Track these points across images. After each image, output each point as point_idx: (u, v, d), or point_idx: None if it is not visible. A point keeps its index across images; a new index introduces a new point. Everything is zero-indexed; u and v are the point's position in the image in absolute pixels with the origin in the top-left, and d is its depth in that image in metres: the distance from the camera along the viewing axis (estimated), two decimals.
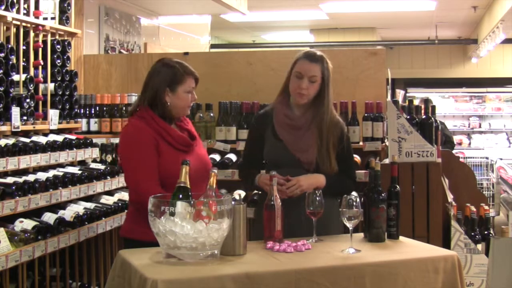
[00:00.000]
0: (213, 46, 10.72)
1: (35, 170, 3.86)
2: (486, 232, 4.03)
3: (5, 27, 3.76)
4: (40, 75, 4.05)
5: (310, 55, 3.22)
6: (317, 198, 2.90)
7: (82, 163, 4.35)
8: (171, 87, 3.08)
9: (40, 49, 4.05)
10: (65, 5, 4.31)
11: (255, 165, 3.31)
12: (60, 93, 4.23)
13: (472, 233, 3.94)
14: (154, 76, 3.11)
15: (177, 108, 3.11)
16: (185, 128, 3.18)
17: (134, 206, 3.13)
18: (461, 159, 6.33)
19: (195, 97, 3.17)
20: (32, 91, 3.87)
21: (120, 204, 4.25)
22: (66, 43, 4.30)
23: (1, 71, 3.57)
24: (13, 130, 3.65)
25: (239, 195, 4.29)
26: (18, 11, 3.80)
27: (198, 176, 2.81)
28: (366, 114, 4.40)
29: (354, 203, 2.80)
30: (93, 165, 4.33)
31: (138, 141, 3.04)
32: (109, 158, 4.56)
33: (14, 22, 3.80)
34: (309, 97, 3.21)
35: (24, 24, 3.88)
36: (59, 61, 4.22)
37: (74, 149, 4.07)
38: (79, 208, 3.97)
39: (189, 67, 3.16)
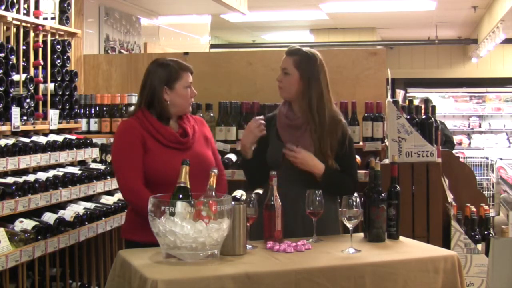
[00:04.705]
0: (213, 46, 10.72)
1: (35, 170, 3.86)
2: (486, 232, 4.03)
3: (5, 27, 3.76)
4: (40, 75, 4.05)
5: (286, 50, 3.26)
6: (317, 198, 2.90)
7: (82, 163, 4.35)
8: (169, 85, 3.08)
9: (40, 49, 4.05)
10: (65, 5, 4.31)
11: (259, 165, 3.27)
12: (60, 93, 4.23)
13: (472, 233, 3.94)
14: (150, 77, 3.12)
15: (177, 106, 3.11)
16: (183, 126, 3.18)
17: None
18: (461, 159, 6.35)
19: (194, 92, 3.17)
20: (32, 91, 3.87)
21: (120, 204, 4.25)
22: (66, 43, 4.30)
23: (1, 71, 3.57)
24: (13, 130, 3.65)
25: (241, 195, 4.30)
26: (18, 11, 3.80)
27: (194, 173, 2.80)
28: (366, 114, 4.40)
29: (354, 203, 2.80)
30: (93, 165, 4.33)
31: (123, 139, 3.07)
32: (109, 158, 4.55)
33: (14, 22, 3.80)
34: (287, 90, 3.21)
35: (24, 24, 3.88)
36: (59, 61, 4.22)
37: (74, 149, 4.07)
38: (79, 208, 3.97)
39: (183, 63, 3.16)
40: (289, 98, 3.24)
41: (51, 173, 3.84)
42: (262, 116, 3.27)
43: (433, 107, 4.19)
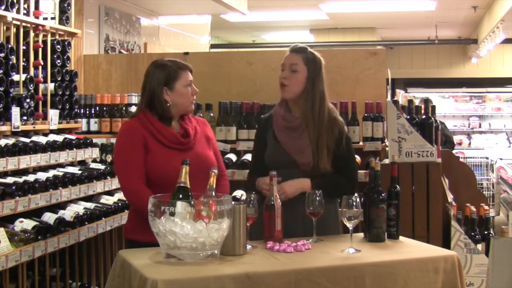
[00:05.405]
0: (213, 46, 10.72)
1: (35, 170, 3.86)
2: (486, 232, 4.03)
3: (5, 27, 3.76)
4: (40, 75, 4.05)
5: (292, 47, 3.24)
6: (317, 198, 2.90)
7: (82, 163, 4.35)
8: (169, 85, 3.09)
9: (40, 49, 4.05)
10: (65, 5, 4.31)
11: (262, 168, 3.23)
12: (60, 93, 4.23)
13: (472, 233, 3.94)
14: (149, 79, 3.12)
15: (179, 105, 3.11)
16: (184, 126, 3.18)
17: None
18: (461, 159, 6.35)
19: (196, 90, 3.16)
20: (32, 91, 3.87)
21: (120, 204, 4.25)
22: (66, 43, 4.30)
23: (1, 71, 3.57)
24: (13, 130, 3.65)
25: (241, 195, 4.30)
26: (18, 11, 3.80)
27: (195, 174, 2.80)
28: (366, 114, 4.40)
29: (354, 203, 2.80)
30: (93, 165, 4.33)
31: (125, 139, 3.08)
32: (109, 158, 4.55)
33: (14, 22, 3.79)
34: (293, 89, 3.17)
35: (24, 24, 3.88)
36: (59, 61, 4.22)
37: (74, 149, 4.07)
38: (79, 208, 3.97)
39: (181, 62, 3.16)
40: (292, 97, 3.20)
41: (51, 173, 3.84)
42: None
43: (433, 107, 4.19)
